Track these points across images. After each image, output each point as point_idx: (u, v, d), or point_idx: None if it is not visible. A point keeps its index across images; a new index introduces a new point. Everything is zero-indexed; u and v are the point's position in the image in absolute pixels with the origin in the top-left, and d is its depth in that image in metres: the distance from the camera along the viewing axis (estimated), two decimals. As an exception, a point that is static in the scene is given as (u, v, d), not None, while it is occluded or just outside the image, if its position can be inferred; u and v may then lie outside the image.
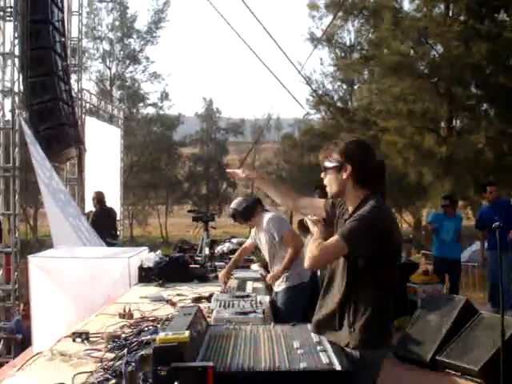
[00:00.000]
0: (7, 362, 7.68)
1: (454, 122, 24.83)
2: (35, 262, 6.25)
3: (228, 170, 3.93)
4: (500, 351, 5.40)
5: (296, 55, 72.73)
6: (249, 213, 5.82)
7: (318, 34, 31.83)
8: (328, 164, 3.17)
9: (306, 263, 3.06)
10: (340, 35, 31.77)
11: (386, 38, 23.67)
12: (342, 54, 32.64)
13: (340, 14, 25.84)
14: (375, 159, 3.23)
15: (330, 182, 3.20)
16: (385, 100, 24.53)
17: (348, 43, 32.83)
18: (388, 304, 3.12)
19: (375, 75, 26.07)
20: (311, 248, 3.04)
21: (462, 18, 23.33)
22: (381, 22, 23.67)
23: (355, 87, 34.58)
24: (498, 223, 5.49)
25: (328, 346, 2.83)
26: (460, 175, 21.52)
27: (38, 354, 3.23)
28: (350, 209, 3.17)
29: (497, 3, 21.81)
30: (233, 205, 5.99)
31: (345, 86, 36.40)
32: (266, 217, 5.67)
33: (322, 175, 3.26)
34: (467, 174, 21.44)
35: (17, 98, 9.99)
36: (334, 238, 2.98)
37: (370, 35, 27.88)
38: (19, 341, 8.91)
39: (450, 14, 23.86)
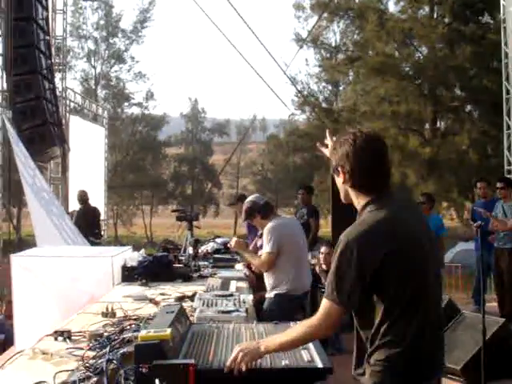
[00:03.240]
0: (-11, 362, 7.61)
1: (438, 123, 25.03)
2: (18, 261, 6.20)
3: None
4: (482, 350, 5.44)
5: (281, 56, 72.70)
6: (267, 210, 5.78)
7: (304, 34, 31.94)
8: (334, 164, 2.75)
9: None
10: (325, 36, 31.89)
11: (370, 39, 23.82)
12: (328, 55, 32.75)
13: (325, 14, 25.95)
14: (375, 158, 2.70)
15: (339, 186, 2.79)
16: (369, 101, 24.68)
17: (333, 44, 32.95)
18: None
19: (360, 76, 26.20)
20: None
21: (446, 20, 23.54)
22: (366, 24, 23.83)
23: (340, 88, 34.74)
24: (479, 222, 5.53)
25: (310, 344, 2.84)
26: (444, 176, 21.68)
27: (19, 352, 3.20)
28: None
29: (481, 6, 22.01)
30: (251, 198, 5.92)
31: (330, 87, 36.52)
32: (269, 224, 5.62)
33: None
34: (451, 175, 21.61)
35: (0, 97, 9.92)
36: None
37: (355, 36, 28.05)
38: (1, 341, 8.85)
39: (435, 15, 24.07)
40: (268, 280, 5.58)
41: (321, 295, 7.30)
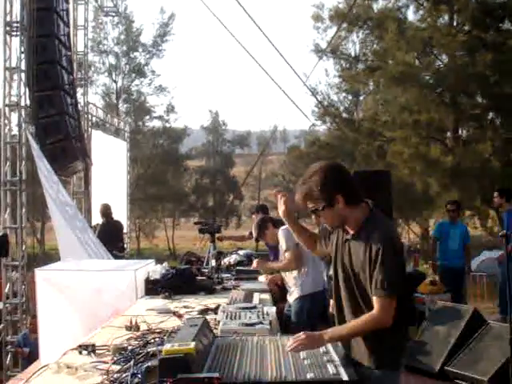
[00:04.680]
0: (15, 376, 7.66)
1: (459, 131, 24.82)
2: (42, 275, 6.24)
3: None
4: (509, 361, 5.36)
5: (301, 67, 72.83)
6: (277, 219, 5.90)
7: (323, 45, 31.88)
8: (315, 206, 3.12)
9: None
10: (345, 46, 31.78)
11: (390, 48, 23.72)
12: (347, 65, 32.63)
13: (344, 25, 25.89)
14: (348, 172, 3.26)
15: (327, 218, 3.18)
16: (390, 110, 24.57)
17: (353, 54, 32.86)
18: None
19: (380, 86, 26.10)
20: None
21: (466, 27, 23.38)
22: (385, 33, 23.72)
23: (360, 98, 34.64)
24: (504, 231, 5.49)
25: (335, 357, 2.82)
26: (467, 185, 21.46)
27: (44, 366, 3.22)
28: (351, 229, 3.18)
29: (501, 13, 21.86)
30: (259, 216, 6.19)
31: (350, 97, 36.40)
32: (282, 227, 5.69)
33: (313, 218, 3.43)
34: (474, 184, 21.38)
35: (23, 112, 10.03)
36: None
37: (374, 46, 27.94)
38: (26, 354, 8.91)
39: (455, 23, 23.92)
40: (289, 283, 5.60)
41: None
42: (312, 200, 3.11)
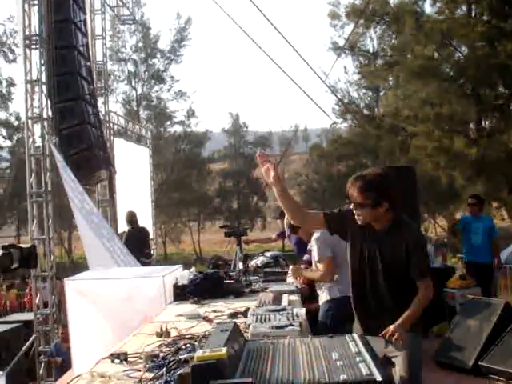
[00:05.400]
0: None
1: (483, 122, 24.58)
2: (71, 284, 6.30)
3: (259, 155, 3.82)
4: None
5: (320, 65, 72.62)
6: (291, 228, 5.93)
7: (341, 42, 31.85)
8: (363, 201, 3.58)
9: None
10: (362, 42, 31.75)
11: (409, 42, 23.59)
12: (366, 62, 32.56)
13: (361, 21, 25.79)
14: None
15: (363, 214, 3.64)
16: (411, 105, 24.41)
17: (371, 50, 32.76)
18: None
19: (400, 81, 25.94)
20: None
21: (485, 17, 23.15)
22: (403, 27, 23.58)
23: (381, 94, 34.49)
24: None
25: (367, 357, 2.79)
26: (492, 176, 21.24)
27: (77, 376, 3.23)
28: (379, 226, 3.74)
29: (520, 1, 21.62)
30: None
31: (370, 93, 36.33)
32: (315, 234, 5.58)
33: (352, 207, 3.65)
34: (500, 175, 21.16)
35: (46, 124, 10.12)
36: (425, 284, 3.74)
37: (392, 41, 27.80)
38: (60, 363, 8.99)
39: (473, 14, 23.70)
40: (319, 287, 5.55)
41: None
42: (362, 195, 3.56)
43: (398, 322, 3.61)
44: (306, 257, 6.50)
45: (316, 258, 5.48)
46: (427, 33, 22.68)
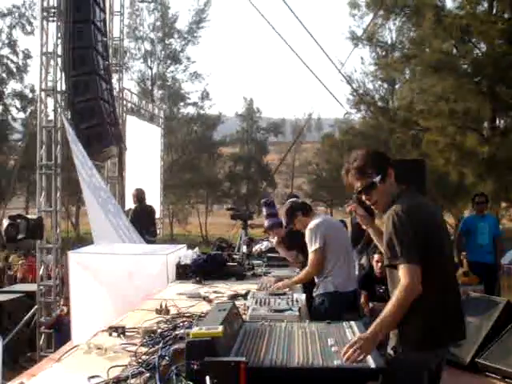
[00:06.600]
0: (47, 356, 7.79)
1: (497, 121, 24.42)
2: (75, 257, 6.34)
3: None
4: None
5: (337, 54, 72.35)
6: (306, 207, 5.84)
7: (359, 32, 31.63)
8: (369, 180, 3.15)
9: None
10: (381, 34, 31.50)
11: (427, 36, 23.41)
12: (383, 53, 32.37)
13: (381, 12, 25.60)
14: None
15: (381, 195, 3.17)
16: (426, 99, 24.27)
17: (389, 42, 32.56)
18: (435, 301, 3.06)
19: (416, 74, 25.80)
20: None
21: (506, 15, 22.94)
22: (422, 21, 23.39)
23: (396, 86, 34.33)
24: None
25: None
26: (503, 175, 21.13)
27: (75, 347, 3.27)
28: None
29: (542, 0, 21.42)
30: (288, 202, 6.04)
31: (386, 86, 36.16)
32: (312, 222, 5.56)
33: (364, 197, 3.21)
34: (510, 174, 21.05)
35: (59, 97, 10.13)
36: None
37: (411, 34, 27.60)
38: (65, 313, 9.05)
39: (494, 11, 23.47)
40: (316, 278, 5.52)
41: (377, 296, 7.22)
42: (365, 175, 3.15)
43: (368, 331, 2.88)
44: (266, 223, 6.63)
45: (309, 249, 5.47)
46: (447, 28, 22.48)
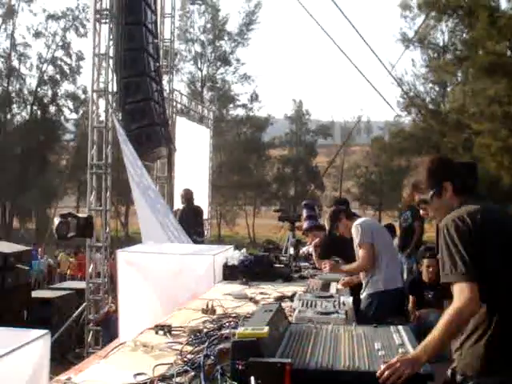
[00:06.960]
0: (95, 353, 7.91)
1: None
2: (123, 256, 6.40)
3: None
4: None
5: (387, 56, 71.68)
6: (349, 211, 5.87)
7: (410, 34, 31.30)
8: (424, 197, 2.98)
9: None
10: (433, 35, 31.11)
11: (481, 37, 23.02)
12: (435, 55, 31.96)
13: (433, 13, 25.28)
14: (456, 163, 3.19)
15: (437, 210, 2.97)
16: (478, 102, 23.88)
17: (441, 44, 32.11)
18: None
19: (469, 76, 25.40)
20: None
21: (563, 16, 22.42)
22: (476, 22, 23.02)
23: (448, 89, 33.83)
24: None
25: (411, 349, 2.75)
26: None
27: (121, 344, 3.29)
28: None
29: None
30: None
31: (437, 88, 35.64)
32: (356, 221, 5.59)
33: (422, 212, 3.08)
34: None
35: (111, 98, 10.27)
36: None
37: (463, 35, 27.19)
38: (113, 310, 9.18)
39: (551, 12, 22.95)
40: (363, 279, 5.50)
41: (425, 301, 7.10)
42: (421, 191, 3.01)
43: (413, 352, 2.59)
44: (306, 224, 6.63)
45: (356, 243, 5.46)
46: (501, 29, 22.10)
